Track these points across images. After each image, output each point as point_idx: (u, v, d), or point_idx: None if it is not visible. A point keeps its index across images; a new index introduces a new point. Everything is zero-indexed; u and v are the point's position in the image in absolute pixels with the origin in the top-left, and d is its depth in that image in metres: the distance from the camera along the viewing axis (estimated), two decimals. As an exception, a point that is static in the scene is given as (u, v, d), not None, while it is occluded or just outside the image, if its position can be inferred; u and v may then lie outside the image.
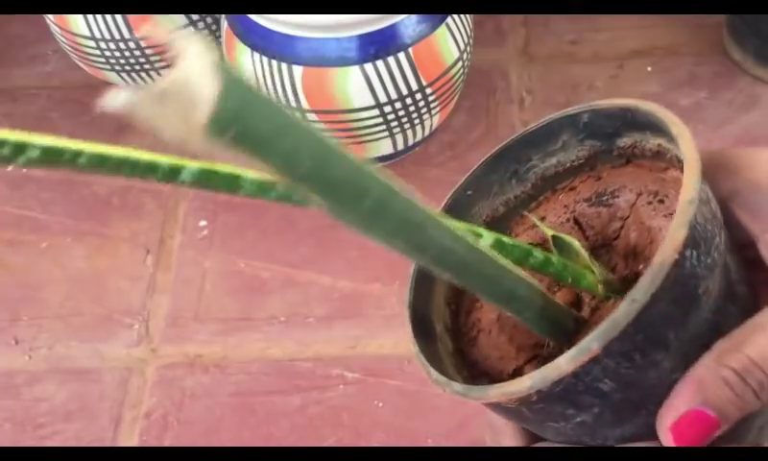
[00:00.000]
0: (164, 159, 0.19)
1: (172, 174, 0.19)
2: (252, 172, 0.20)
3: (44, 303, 0.53)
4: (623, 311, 0.21)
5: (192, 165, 0.19)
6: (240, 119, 0.15)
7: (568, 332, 0.25)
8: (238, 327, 0.51)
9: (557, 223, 0.29)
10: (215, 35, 0.60)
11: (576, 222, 0.28)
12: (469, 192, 0.29)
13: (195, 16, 0.58)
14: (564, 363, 0.21)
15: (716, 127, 0.60)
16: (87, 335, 0.51)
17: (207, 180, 0.19)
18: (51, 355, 0.51)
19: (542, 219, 0.29)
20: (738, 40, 0.62)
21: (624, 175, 0.28)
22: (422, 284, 0.29)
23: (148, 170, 0.19)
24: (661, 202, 0.26)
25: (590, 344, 0.21)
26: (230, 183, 0.19)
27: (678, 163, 0.25)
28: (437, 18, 0.50)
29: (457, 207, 0.29)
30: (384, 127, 0.52)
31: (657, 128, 0.25)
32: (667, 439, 0.23)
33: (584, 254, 0.25)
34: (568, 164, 0.28)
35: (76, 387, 0.49)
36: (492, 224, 0.29)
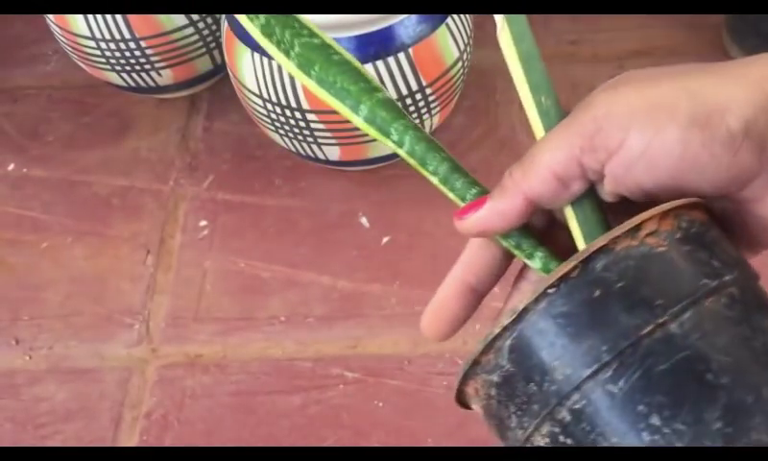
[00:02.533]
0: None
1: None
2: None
3: (45, 303, 0.53)
4: None
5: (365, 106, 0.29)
6: None
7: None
8: (238, 326, 0.51)
9: None
10: (215, 35, 0.60)
11: None
12: None
13: (195, 16, 0.58)
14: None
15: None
16: (88, 335, 0.51)
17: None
18: (51, 355, 0.51)
19: None
20: (738, 40, 0.62)
21: None
22: None
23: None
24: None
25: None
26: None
27: None
28: (437, 19, 0.50)
29: None
30: (384, 127, 0.52)
31: None
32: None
33: None
34: None
35: (76, 387, 0.49)
36: None
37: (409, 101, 0.51)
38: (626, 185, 0.25)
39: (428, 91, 0.51)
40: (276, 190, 0.59)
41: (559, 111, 0.28)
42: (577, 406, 0.22)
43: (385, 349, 0.49)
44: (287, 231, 0.56)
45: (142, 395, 0.48)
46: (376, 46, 0.49)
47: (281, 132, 0.53)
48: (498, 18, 0.29)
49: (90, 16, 0.56)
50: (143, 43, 0.57)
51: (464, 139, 0.60)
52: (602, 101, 0.25)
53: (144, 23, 0.56)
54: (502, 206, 0.27)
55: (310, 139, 0.53)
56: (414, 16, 0.49)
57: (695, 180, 0.24)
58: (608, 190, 0.26)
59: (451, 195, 0.28)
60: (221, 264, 0.54)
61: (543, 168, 0.26)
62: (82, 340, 0.51)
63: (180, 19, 0.57)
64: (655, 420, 0.22)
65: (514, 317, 0.23)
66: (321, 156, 0.55)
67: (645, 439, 0.22)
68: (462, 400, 0.27)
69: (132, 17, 0.56)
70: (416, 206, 0.56)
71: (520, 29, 0.30)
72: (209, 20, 0.59)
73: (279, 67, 0.49)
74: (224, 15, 0.54)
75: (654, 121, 0.24)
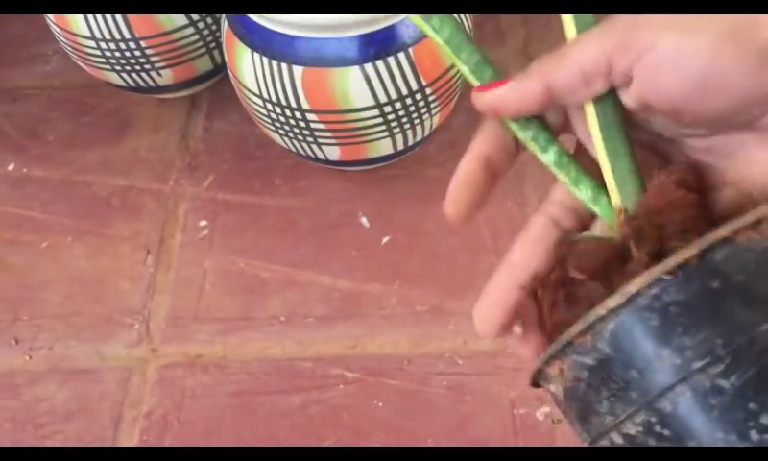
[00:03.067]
0: None
1: None
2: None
3: (44, 303, 0.53)
4: None
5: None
6: None
7: None
8: (238, 326, 0.51)
9: None
10: (215, 35, 0.60)
11: None
12: None
13: (195, 16, 0.58)
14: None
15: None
16: (88, 335, 0.51)
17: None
18: (51, 355, 0.51)
19: None
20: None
21: None
22: None
23: None
24: None
25: None
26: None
27: None
28: (437, 18, 0.50)
29: None
30: (384, 127, 0.52)
31: None
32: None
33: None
34: None
35: (76, 387, 0.49)
36: None
37: (409, 101, 0.51)
38: (652, 89, 0.25)
39: (428, 91, 0.51)
40: (275, 190, 0.59)
41: (636, 175, 0.27)
42: (681, 398, 0.22)
43: (385, 349, 0.49)
44: (287, 231, 0.56)
45: (142, 395, 0.48)
46: (377, 46, 0.49)
47: (281, 132, 0.53)
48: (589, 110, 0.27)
49: (90, 16, 0.56)
50: (143, 43, 0.57)
51: (464, 139, 0.60)
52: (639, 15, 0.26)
53: (144, 23, 0.56)
54: (522, 88, 0.27)
55: (310, 139, 0.53)
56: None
57: (721, 93, 0.24)
58: (633, 95, 0.26)
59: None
60: (221, 264, 0.54)
61: (571, 60, 0.26)
62: (82, 340, 0.51)
63: (180, 19, 0.57)
64: (766, 419, 0.21)
65: (622, 301, 0.22)
66: (321, 156, 0.55)
67: (753, 438, 0.21)
68: (537, 380, 0.26)
69: (132, 17, 0.56)
70: (416, 205, 0.56)
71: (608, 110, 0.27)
72: (209, 20, 0.59)
73: (279, 67, 0.50)
74: (224, 15, 0.54)
75: (688, 26, 0.25)
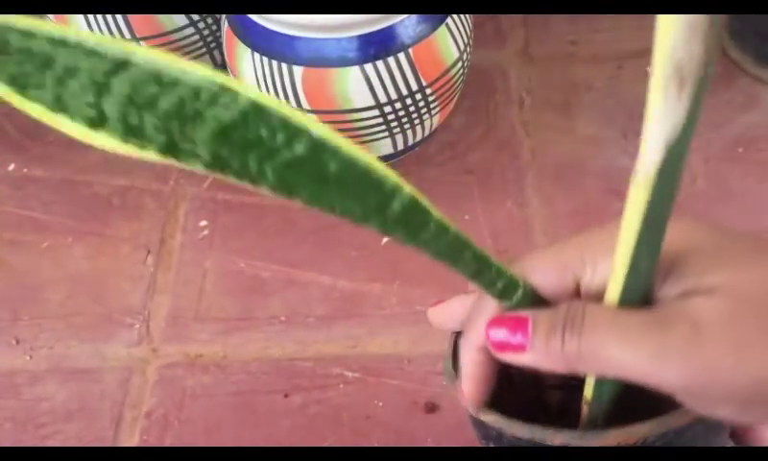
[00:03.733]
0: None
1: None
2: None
3: (45, 303, 0.53)
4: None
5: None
6: None
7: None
8: (238, 326, 0.51)
9: None
10: (215, 35, 0.60)
11: None
12: None
13: (195, 16, 0.58)
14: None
15: (716, 127, 0.60)
16: (88, 335, 0.51)
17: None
18: (52, 355, 0.51)
19: None
20: (738, 40, 0.62)
21: None
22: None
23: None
24: None
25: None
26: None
27: None
28: (437, 19, 0.51)
29: None
30: (384, 127, 0.52)
31: None
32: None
33: None
34: None
35: (77, 387, 0.49)
36: None
37: (409, 101, 0.51)
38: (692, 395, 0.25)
39: (428, 91, 0.51)
40: (276, 190, 0.58)
41: (647, 287, 0.26)
42: None
43: (385, 348, 0.49)
44: (287, 231, 0.56)
45: (142, 394, 0.48)
46: (376, 46, 0.49)
47: (281, 132, 0.53)
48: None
49: (91, 16, 0.56)
50: (143, 43, 0.57)
51: (464, 139, 0.60)
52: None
53: (144, 23, 0.56)
54: (545, 366, 0.26)
55: (310, 139, 0.53)
56: (414, 16, 0.49)
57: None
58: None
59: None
60: (221, 264, 0.54)
61: (609, 368, 0.25)
62: (82, 340, 0.51)
63: (180, 19, 0.57)
64: None
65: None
66: (321, 156, 0.55)
67: None
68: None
69: (132, 17, 0.56)
70: (416, 205, 0.56)
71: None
72: (209, 20, 0.59)
73: (280, 67, 0.50)
74: (224, 15, 0.54)
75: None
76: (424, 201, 0.23)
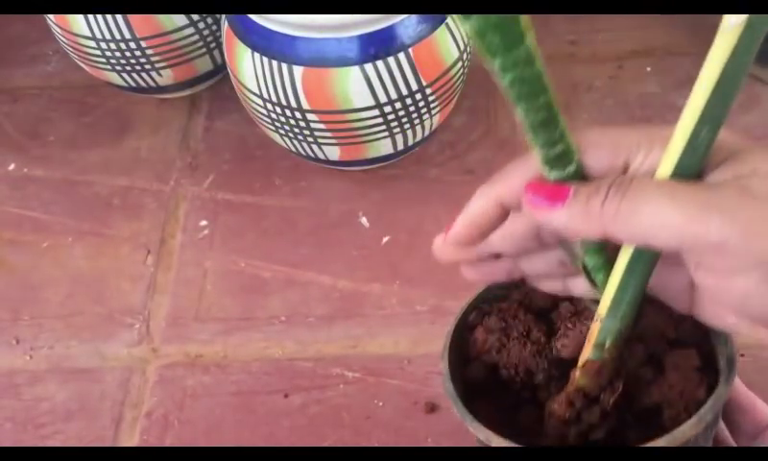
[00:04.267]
0: None
1: None
2: None
3: (45, 303, 0.53)
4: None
5: None
6: None
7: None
8: (239, 326, 0.51)
9: None
10: (215, 35, 0.60)
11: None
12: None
13: (195, 16, 0.58)
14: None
15: (716, 127, 0.60)
16: (88, 335, 0.52)
17: None
18: (52, 355, 0.51)
19: None
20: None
21: None
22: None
23: None
24: None
25: None
26: None
27: None
28: (437, 19, 0.51)
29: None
30: (384, 127, 0.52)
31: None
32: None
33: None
34: None
35: (77, 387, 0.49)
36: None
37: (409, 101, 0.51)
38: (715, 294, 0.25)
39: (428, 91, 0.51)
40: (276, 190, 0.59)
41: (699, 166, 0.26)
42: None
43: (385, 348, 0.49)
44: (287, 231, 0.56)
45: (143, 394, 0.48)
46: (377, 46, 0.49)
47: (281, 131, 0.54)
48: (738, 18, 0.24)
49: (91, 16, 0.56)
50: (143, 43, 0.57)
51: (464, 139, 0.60)
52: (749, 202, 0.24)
53: (144, 23, 0.57)
54: (577, 227, 0.26)
55: (310, 139, 0.53)
56: (414, 17, 0.49)
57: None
58: (693, 275, 0.26)
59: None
60: (221, 264, 0.54)
61: (644, 228, 0.24)
62: (82, 340, 0.51)
63: (180, 19, 0.57)
64: None
65: None
66: (321, 155, 0.55)
67: None
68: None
69: (132, 17, 0.56)
70: (416, 205, 0.56)
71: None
72: (209, 20, 0.59)
73: (280, 67, 0.50)
74: (224, 15, 0.54)
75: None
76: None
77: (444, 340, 0.35)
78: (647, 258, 0.27)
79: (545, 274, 0.32)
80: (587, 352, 0.30)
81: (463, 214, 0.29)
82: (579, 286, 0.31)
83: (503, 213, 0.28)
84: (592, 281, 0.30)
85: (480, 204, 0.29)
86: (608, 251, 0.29)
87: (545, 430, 0.31)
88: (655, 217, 0.24)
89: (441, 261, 0.31)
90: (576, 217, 0.25)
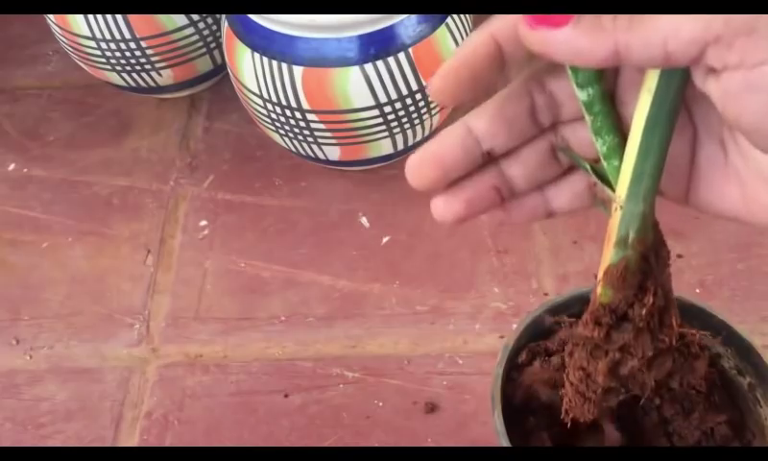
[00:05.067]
0: None
1: None
2: None
3: (45, 303, 0.53)
4: None
5: None
6: None
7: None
8: (239, 326, 0.51)
9: None
10: (215, 35, 0.60)
11: None
12: None
13: (195, 17, 0.58)
14: None
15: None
16: (88, 335, 0.52)
17: None
18: (52, 355, 0.51)
19: None
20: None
21: None
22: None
23: None
24: None
25: None
26: None
27: None
28: (437, 19, 0.51)
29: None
30: (384, 127, 0.52)
31: None
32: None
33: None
34: None
35: (77, 387, 0.49)
36: None
37: (409, 101, 0.51)
38: (734, 106, 0.22)
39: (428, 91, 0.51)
40: (276, 190, 0.59)
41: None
42: None
43: (385, 348, 0.49)
44: (287, 231, 0.56)
45: (143, 394, 0.48)
46: (377, 46, 0.49)
47: (281, 132, 0.54)
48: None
49: (91, 16, 0.56)
50: (143, 43, 0.57)
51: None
52: None
53: (144, 23, 0.56)
54: (588, 42, 0.22)
55: (310, 139, 0.53)
56: (414, 16, 0.49)
57: None
58: (712, 92, 0.23)
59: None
60: (221, 264, 0.54)
61: (659, 33, 0.22)
62: (82, 340, 0.51)
63: (180, 19, 0.57)
64: None
65: None
66: (321, 156, 0.55)
67: None
68: None
69: (132, 17, 0.56)
70: (416, 205, 0.56)
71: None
72: (209, 20, 0.59)
73: (280, 67, 0.50)
74: (224, 15, 0.54)
75: None
76: None
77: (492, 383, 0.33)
78: (670, 100, 0.24)
79: (533, 176, 0.28)
80: (607, 258, 0.26)
81: (455, 53, 0.26)
82: (562, 197, 0.28)
83: (497, 54, 0.25)
84: (599, 175, 0.27)
85: (473, 40, 0.26)
86: (622, 129, 0.26)
87: (568, 373, 0.28)
88: (674, 18, 0.21)
89: (416, 185, 0.27)
90: (583, 34, 0.22)
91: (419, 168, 0.26)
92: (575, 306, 0.35)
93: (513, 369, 0.34)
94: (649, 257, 0.26)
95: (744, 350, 0.34)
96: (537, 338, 0.35)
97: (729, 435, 0.35)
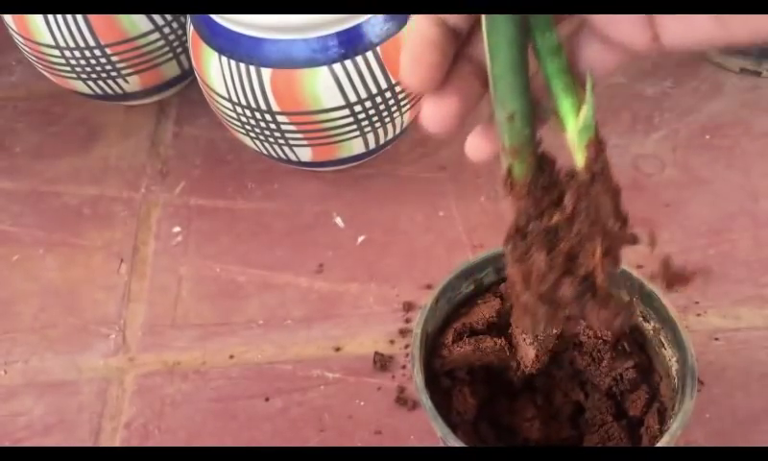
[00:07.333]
0: None
1: None
2: None
3: (18, 317, 0.53)
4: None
5: None
6: None
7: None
8: (216, 332, 0.51)
9: None
10: (181, 39, 0.60)
11: None
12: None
13: (160, 21, 0.57)
14: None
15: (681, 115, 0.61)
16: (63, 347, 0.51)
17: None
18: (27, 369, 0.50)
19: None
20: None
21: None
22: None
23: None
24: None
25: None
26: None
27: None
28: (403, 17, 0.51)
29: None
30: (355, 126, 0.52)
31: None
32: None
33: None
34: None
35: (54, 400, 0.48)
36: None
37: (379, 99, 0.51)
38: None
39: (398, 89, 0.51)
40: (248, 193, 0.58)
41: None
42: None
43: (364, 347, 0.49)
44: (262, 234, 0.56)
45: (121, 405, 0.48)
46: (345, 46, 0.49)
47: (252, 134, 0.53)
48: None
49: (53, 24, 0.55)
50: (108, 50, 0.57)
51: (435, 137, 0.60)
52: None
53: (108, 30, 0.56)
54: None
55: (281, 141, 0.53)
56: (380, 15, 0.49)
57: None
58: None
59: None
60: (196, 270, 0.54)
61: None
62: (57, 352, 0.51)
63: (144, 24, 0.57)
64: None
65: None
66: (292, 157, 0.55)
67: None
68: None
69: (95, 24, 0.55)
70: (389, 204, 0.56)
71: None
72: (175, 25, 0.58)
73: (248, 70, 0.49)
74: (189, 19, 0.53)
75: None
76: None
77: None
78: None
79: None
80: (504, 163, 0.29)
81: (405, 43, 0.27)
82: None
83: (444, 26, 0.27)
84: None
85: (418, 25, 0.27)
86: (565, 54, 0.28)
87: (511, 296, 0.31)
88: None
89: (415, 84, 0.28)
90: None
91: (414, 64, 0.27)
92: (487, 267, 0.41)
93: (440, 347, 0.39)
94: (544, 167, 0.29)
95: (646, 296, 0.38)
96: (456, 305, 0.41)
97: (636, 378, 0.38)
